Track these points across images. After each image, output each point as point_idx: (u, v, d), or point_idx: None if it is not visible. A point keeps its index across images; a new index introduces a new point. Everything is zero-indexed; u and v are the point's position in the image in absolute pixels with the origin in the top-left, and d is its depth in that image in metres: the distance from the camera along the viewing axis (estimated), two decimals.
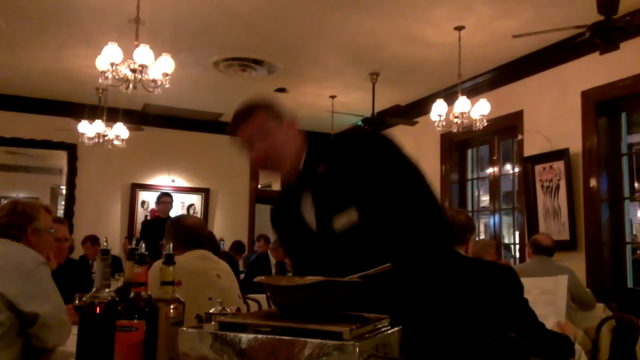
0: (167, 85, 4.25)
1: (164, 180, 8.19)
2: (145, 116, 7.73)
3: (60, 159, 7.76)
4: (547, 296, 3.41)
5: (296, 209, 1.62)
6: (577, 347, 2.64)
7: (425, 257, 1.57)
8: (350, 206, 1.49)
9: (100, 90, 6.46)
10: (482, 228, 7.19)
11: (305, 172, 1.59)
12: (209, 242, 2.88)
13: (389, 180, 1.51)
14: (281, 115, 1.61)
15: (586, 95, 5.09)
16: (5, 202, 2.34)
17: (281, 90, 6.80)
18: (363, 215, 1.48)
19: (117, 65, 4.06)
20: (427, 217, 1.51)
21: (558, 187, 5.24)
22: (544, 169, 5.38)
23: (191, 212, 8.20)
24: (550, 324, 2.89)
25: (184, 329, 1.12)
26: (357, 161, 1.54)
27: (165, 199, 6.94)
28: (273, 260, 6.91)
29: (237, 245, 7.37)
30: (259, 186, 8.73)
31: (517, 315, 2.18)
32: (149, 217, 7.97)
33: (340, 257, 1.49)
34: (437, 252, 1.60)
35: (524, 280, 2.28)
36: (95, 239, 6.28)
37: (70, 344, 1.97)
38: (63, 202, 7.75)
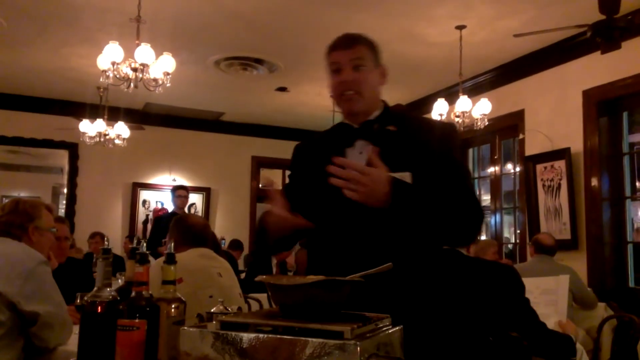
0: (168, 84, 4.25)
1: (165, 179, 8.18)
2: (146, 115, 7.72)
3: (62, 158, 7.75)
4: (549, 296, 3.41)
5: (341, 150, 1.61)
6: (579, 346, 2.63)
7: (427, 256, 1.57)
8: (406, 171, 1.52)
9: (102, 89, 6.46)
10: (482, 227, 7.19)
11: (373, 123, 1.61)
12: (211, 241, 2.89)
13: (451, 165, 1.58)
14: (378, 61, 1.65)
15: (587, 95, 5.08)
16: (7, 201, 2.34)
17: (282, 89, 6.79)
18: (415, 183, 1.51)
19: (118, 64, 4.06)
20: (469, 207, 1.55)
21: (559, 186, 5.24)
22: (545, 168, 5.38)
23: (192, 211, 8.17)
24: (551, 323, 2.89)
25: (185, 328, 1.12)
26: (431, 137, 1.60)
27: (181, 192, 6.49)
28: (274, 260, 6.88)
29: (235, 243, 7.34)
30: (260, 186, 8.72)
31: (518, 315, 2.18)
32: (151, 216, 7.94)
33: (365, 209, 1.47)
34: (440, 250, 1.59)
35: (526, 280, 2.29)
36: (103, 236, 6.21)
37: (72, 344, 1.97)
38: (64, 201, 7.74)
